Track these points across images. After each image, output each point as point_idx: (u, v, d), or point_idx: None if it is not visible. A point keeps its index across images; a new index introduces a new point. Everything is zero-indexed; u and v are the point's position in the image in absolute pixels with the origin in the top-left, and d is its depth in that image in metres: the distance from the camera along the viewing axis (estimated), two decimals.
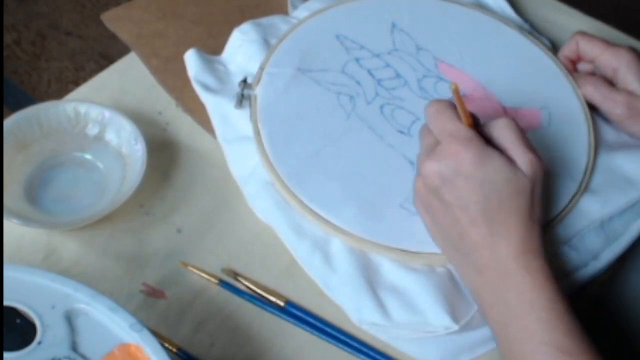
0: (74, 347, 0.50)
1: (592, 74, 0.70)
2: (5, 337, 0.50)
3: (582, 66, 0.71)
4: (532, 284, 0.52)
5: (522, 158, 0.54)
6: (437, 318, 0.56)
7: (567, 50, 0.71)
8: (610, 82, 0.67)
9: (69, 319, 0.51)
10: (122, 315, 0.51)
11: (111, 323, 0.51)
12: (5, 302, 0.51)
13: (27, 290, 0.51)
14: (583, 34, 0.69)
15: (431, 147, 0.55)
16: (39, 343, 0.50)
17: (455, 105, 0.55)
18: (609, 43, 0.67)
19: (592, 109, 0.68)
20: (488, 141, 0.55)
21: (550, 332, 0.51)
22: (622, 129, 0.67)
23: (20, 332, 0.52)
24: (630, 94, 0.65)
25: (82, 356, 0.49)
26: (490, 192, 0.53)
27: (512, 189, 0.53)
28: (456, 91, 0.54)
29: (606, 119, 0.68)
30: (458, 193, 0.53)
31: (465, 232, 0.54)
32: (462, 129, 0.54)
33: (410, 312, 0.56)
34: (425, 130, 0.57)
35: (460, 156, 0.53)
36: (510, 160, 0.54)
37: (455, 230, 0.54)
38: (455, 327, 0.55)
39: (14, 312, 0.51)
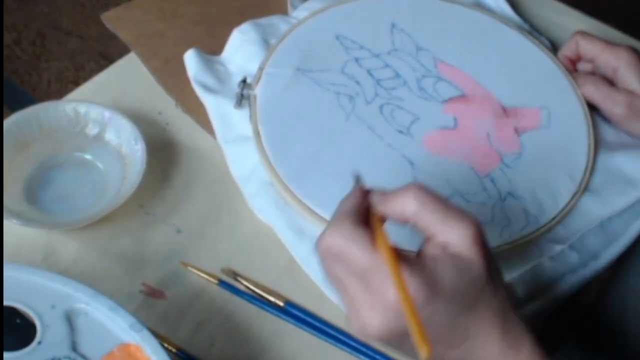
0: (74, 347, 0.50)
1: (592, 73, 0.70)
2: (5, 337, 0.50)
3: (582, 66, 0.71)
4: None
5: (459, 229, 0.43)
6: None
7: (567, 50, 0.71)
8: (610, 82, 0.67)
9: (69, 318, 0.51)
10: (122, 315, 0.51)
11: (111, 323, 0.51)
12: (5, 302, 0.51)
13: (27, 290, 0.51)
14: (583, 33, 0.69)
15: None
16: (39, 343, 0.50)
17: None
18: (608, 43, 0.67)
19: (592, 108, 0.68)
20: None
21: None
22: (622, 128, 0.67)
23: (20, 332, 0.52)
24: (630, 93, 0.65)
25: (82, 356, 0.49)
26: (455, 313, 0.43)
27: (468, 282, 0.43)
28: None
29: (606, 119, 0.68)
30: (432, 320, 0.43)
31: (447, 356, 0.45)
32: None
33: None
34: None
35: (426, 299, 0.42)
36: (453, 256, 0.43)
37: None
38: None
39: (14, 312, 0.51)
